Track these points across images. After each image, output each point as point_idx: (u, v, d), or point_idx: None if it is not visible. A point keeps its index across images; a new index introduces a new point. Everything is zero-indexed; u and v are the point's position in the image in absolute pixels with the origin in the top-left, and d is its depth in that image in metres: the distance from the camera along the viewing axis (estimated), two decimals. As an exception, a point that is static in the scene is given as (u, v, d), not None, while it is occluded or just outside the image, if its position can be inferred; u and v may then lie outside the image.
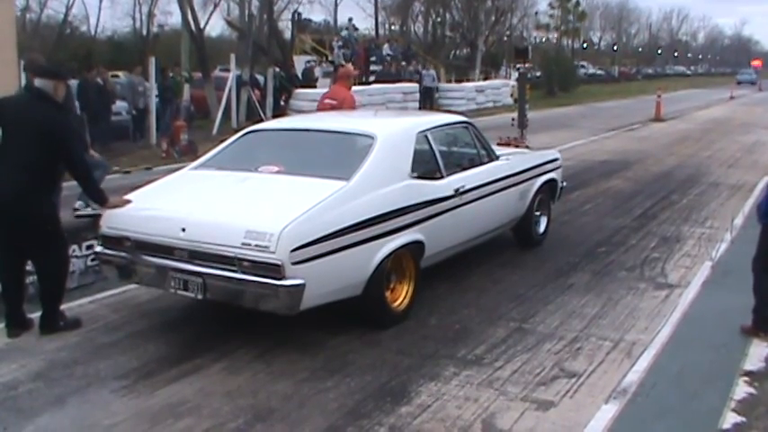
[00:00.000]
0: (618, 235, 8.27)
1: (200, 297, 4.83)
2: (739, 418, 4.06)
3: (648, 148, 16.47)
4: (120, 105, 16.52)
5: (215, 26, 55.70)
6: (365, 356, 4.84)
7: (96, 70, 15.99)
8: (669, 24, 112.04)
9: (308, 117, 8.20)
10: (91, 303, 5.92)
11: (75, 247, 6.16)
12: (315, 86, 23.29)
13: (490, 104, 30.07)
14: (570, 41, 68.81)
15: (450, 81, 33.42)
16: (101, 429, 3.94)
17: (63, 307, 5.38)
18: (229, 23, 31.54)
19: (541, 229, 7.70)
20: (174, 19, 40.52)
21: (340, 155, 5.63)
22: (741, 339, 5.14)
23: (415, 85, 26.28)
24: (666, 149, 16.39)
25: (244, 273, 4.57)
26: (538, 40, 63.76)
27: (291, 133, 6.24)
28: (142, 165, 13.28)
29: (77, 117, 8.91)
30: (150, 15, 42.84)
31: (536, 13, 61.52)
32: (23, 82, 6.13)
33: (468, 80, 34.46)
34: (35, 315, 5.32)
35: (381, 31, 43.70)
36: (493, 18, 43.18)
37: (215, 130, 17.84)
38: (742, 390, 4.40)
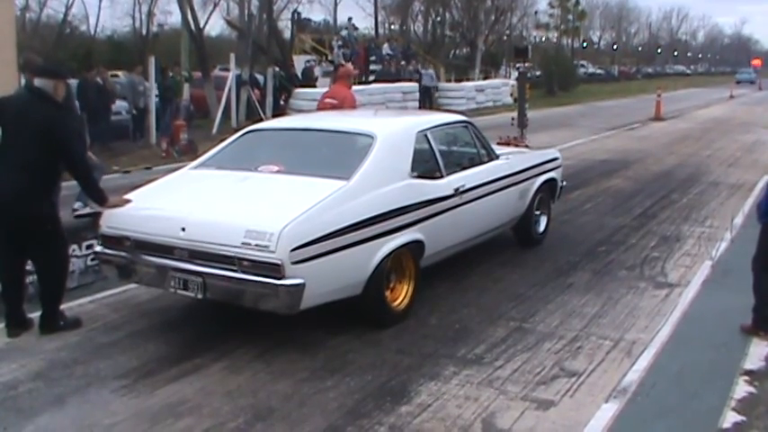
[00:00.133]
0: (618, 234, 8.27)
1: (200, 297, 4.83)
2: (739, 418, 4.06)
3: (648, 148, 16.47)
4: (119, 105, 16.52)
5: (215, 26, 55.74)
6: (365, 356, 4.84)
7: (96, 70, 16.00)
8: (669, 23, 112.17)
9: (308, 116, 8.20)
10: (91, 303, 5.91)
11: (74, 246, 6.16)
12: (314, 86, 23.29)
13: (490, 104, 30.07)
14: (570, 41, 68.79)
15: (449, 80, 33.44)
16: (101, 429, 3.94)
17: (63, 306, 5.38)
18: (229, 23, 31.55)
19: (541, 228, 7.70)
20: (174, 18, 40.59)
21: (340, 154, 5.63)
22: (741, 338, 5.14)
23: (415, 85, 26.28)
24: (666, 148, 16.39)
25: (244, 272, 4.57)
26: (537, 40, 63.74)
27: (291, 133, 6.24)
28: (142, 164, 13.29)
29: (78, 117, 8.92)
30: (150, 15, 42.86)
31: (536, 12, 61.64)
32: (23, 81, 6.12)
33: (467, 79, 34.49)
34: (35, 315, 5.32)
35: (381, 31, 43.71)
36: (493, 17, 43.20)
37: (215, 130, 17.83)
38: (742, 389, 4.40)
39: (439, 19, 42.77)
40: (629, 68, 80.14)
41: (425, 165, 5.78)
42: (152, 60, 16.90)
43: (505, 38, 49.75)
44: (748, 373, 4.62)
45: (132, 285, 5.83)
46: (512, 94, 29.35)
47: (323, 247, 4.64)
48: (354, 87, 9.80)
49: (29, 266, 5.39)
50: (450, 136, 6.62)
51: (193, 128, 17.10)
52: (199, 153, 9.72)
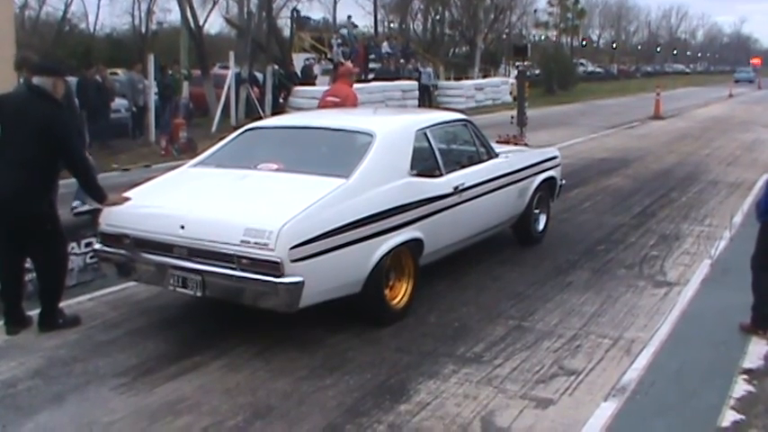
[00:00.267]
0: (617, 233, 8.27)
1: (199, 294, 4.83)
2: (738, 416, 4.07)
3: (648, 146, 16.47)
4: (119, 103, 16.51)
5: (214, 24, 55.69)
6: (364, 354, 4.84)
7: (95, 68, 16.00)
8: (668, 22, 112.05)
9: (308, 114, 8.19)
10: (90, 301, 5.91)
11: (74, 244, 6.16)
12: (314, 84, 23.31)
13: (489, 102, 30.08)
14: (569, 39, 68.78)
15: (449, 79, 33.43)
16: (100, 427, 3.94)
17: (62, 304, 5.38)
18: (228, 21, 31.49)
19: (541, 226, 7.70)
20: (173, 16, 40.56)
21: (339, 152, 5.63)
22: (740, 337, 5.15)
23: (415, 83, 26.28)
24: (666, 147, 16.39)
25: (243, 270, 4.56)
26: (537, 38, 63.61)
27: (290, 131, 6.24)
28: (141, 162, 13.28)
29: (77, 114, 8.90)
30: (149, 13, 42.81)
31: (535, 10, 61.52)
32: (22, 79, 6.10)
33: (467, 78, 34.50)
34: (34, 312, 5.32)
35: (380, 29, 43.70)
36: (492, 16, 43.22)
37: (214, 128, 17.83)
38: (741, 387, 4.41)
39: (438, 17, 42.78)
40: (629, 67, 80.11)
41: (425, 163, 5.77)
42: (151, 58, 16.89)
43: (505, 36, 49.73)
44: (747, 371, 4.62)
45: (131, 283, 5.82)
46: (511, 93, 29.33)
47: (322, 245, 4.64)
48: (354, 86, 9.77)
49: (28, 264, 5.39)
50: (449, 134, 6.62)
51: (193, 126, 17.09)
52: (198, 151, 9.72)
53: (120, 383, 4.42)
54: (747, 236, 6.08)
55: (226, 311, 5.37)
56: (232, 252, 4.57)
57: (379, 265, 5.08)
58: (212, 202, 5.11)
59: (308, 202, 4.72)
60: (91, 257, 6.17)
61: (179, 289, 4.91)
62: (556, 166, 7.90)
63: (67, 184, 6.20)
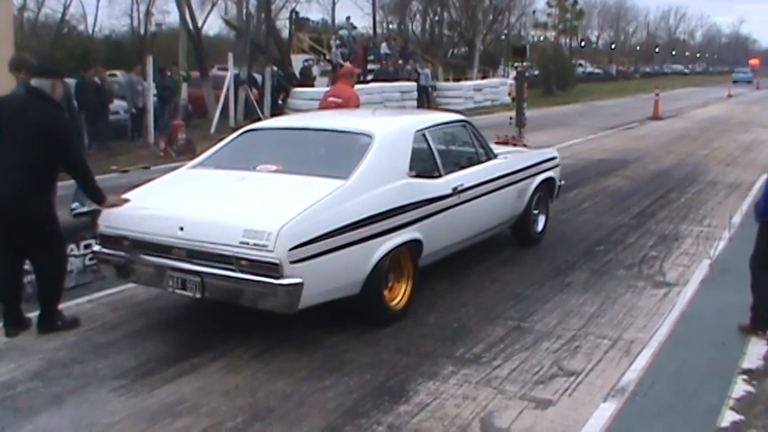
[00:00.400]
0: (616, 233, 8.27)
1: (198, 296, 4.83)
2: (738, 417, 4.07)
3: (647, 147, 16.48)
4: (117, 104, 16.51)
5: (213, 25, 55.54)
6: (363, 355, 4.84)
7: (94, 69, 16.00)
8: (667, 23, 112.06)
9: (306, 116, 8.19)
10: (89, 302, 5.91)
11: (73, 246, 6.16)
12: (312, 85, 23.34)
13: (488, 103, 30.09)
14: (568, 40, 68.83)
15: (448, 80, 33.43)
16: (99, 429, 3.94)
17: (61, 306, 5.38)
18: (227, 22, 31.51)
19: (540, 227, 7.70)
20: (172, 18, 40.55)
21: (338, 154, 5.63)
22: (739, 338, 5.15)
23: (413, 84, 26.30)
24: (665, 148, 16.40)
25: (242, 272, 4.56)
26: (536, 39, 63.64)
27: (289, 132, 6.24)
28: (140, 164, 13.29)
29: (76, 116, 8.90)
30: (148, 14, 42.73)
31: (534, 11, 61.56)
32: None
33: (466, 79, 34.52)
34: (33, 314, 5.31)
35: (379, 30, 43.70)
36: (491, 17, 43.24)
37: (213, 129, 17.84)
38: (740, 388, 4.41)
39: (437, 18, 42.79)
40: (627, 68, 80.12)
41: (424, 164, 5.77)
42: (150, 60, 16.89)
43: (503, 37, 49.75)
44: (747, 372, 4.63)
45: (130, 285, 5.82)
46: (510, 94, 29.32)
47: (321, 246, 4.64)
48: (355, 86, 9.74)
49: (27, 266, 5.38)
50: (448, 135, 6.62)
51: (191, 127, 17.10)
52: (197, 152, 9.71)
53: (119, 385, 4.42)
54: (746, 236, 6.08)
55: (225, 313, 5.37)
56: (231, 253, 4.57)
57: (378, 267, 5.08)
58: (211, 203, 5.11)
59: (306, 204, 4.72)
60: (90, 259, 6.16)
61: (178, 290, 4.91)
62: (555, 166, 7.90)
63: (66, 185, 6.20)
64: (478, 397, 4.28)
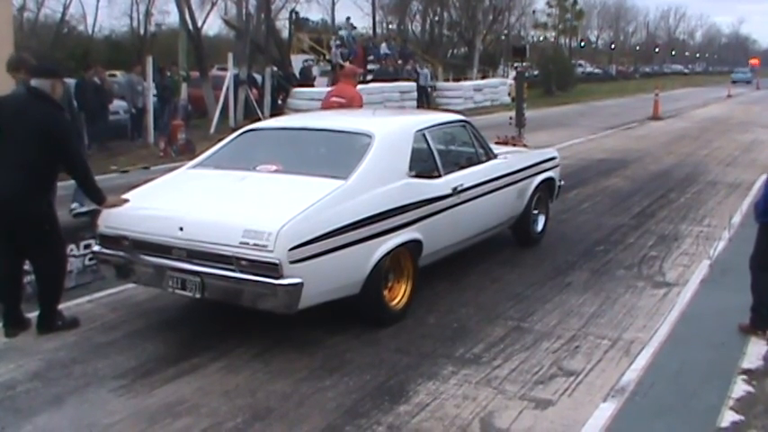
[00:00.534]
0: (616, 233, 8.27)
1: (198, 296, 4.83)
2: (738, 417, 4.07)
3: (646, 147, 16.48)
4: (117, 104, 16.51)
5: (212, 25, 55.52)
6: (363, 355, 4.84)
7: (94, 69, 15.98)
8: (667, 23, 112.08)
9: (306, 116, 8.19)
10: (89, 303, 5.91)
11: (72, 246, 6.16)
12: (312, 85, 23.33)
13: (488, 103, 30.08)
14: (568, 40, 68.81)
15: (447, 80, 33.42)
16: (99, 429, 3.94)
17: (61, 306, 5.38)
18: (227, 22, 31.50)
19: (539, 227, 7.70)
20: (172, 18, 40.53)
21: (338, 154, 5.63)
22: (739, 338, 5.14)
23: (413, 84, 26.28)
24: (664, 148, 16.40)
25: (242, 272, 4.56)
26: (535, 39, 63.61)
27: (289, 132, 6.24)
28: (140, 164, 13.29)
29: (76, 116, 8.90)
30: (148, 14, 42.72)
31: (534, 11, 61.51)
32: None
33: (465, 79, 34.50)
34: (33, 315, 5.31)
35: (379, 30, 43.70)
36: (490, 17, 43.20)
37: (212, 129, 17.83)
38: (740, 388, 4.41)
39: (437, 18, 42.77)
40: (627, 68, 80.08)
41: (423, 164, 5.77)
42: (150, 60, 16.88)
43: (503, 37, 49.74)
44: (746, 372, 4.63)
45: (130, 285, 5.82)
46: (510, 94, 29.34)
47: (321, 246, 4.64)
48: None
49: (27, 266, 5.38)
50: (448, 135, 6.62)
51: (191, 127, 17.09)
52: (197, 153, 9.71)
53: (119, 385, 4.42)
54: (746, 236, 6.08)
55: (225, 313, 5.37)
56: (231, 254, 4.57)
57: (378, 267, 5.08)
58: (211, 203, 5.11)
59: (306, 204, 4.72)
60: (90, 259, 6.16)
61: (178, 291, 4.91)
62: (555, 166, 7.90)
63: (66, 185, 6.20)
64: (478, 397, 4.28)
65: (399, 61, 28.57)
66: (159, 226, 4.95)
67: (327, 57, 28.80)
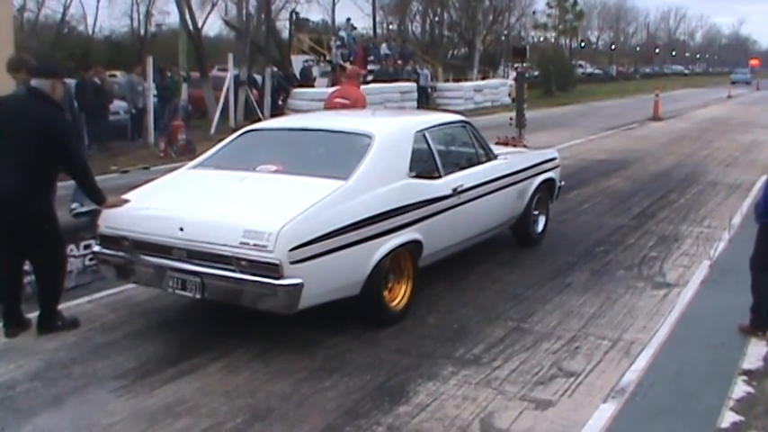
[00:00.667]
0: (616, 234, 8.27)
1: (198, 296, 4.83)
2: (738, 417, 4.07)
3: (647, 148, 16.48)
4: (117, 105, 16.52)
5: (213, 26, 55.68)
6: (363, 356, 4.84)
7: (94, 70, 16.00)
8: (667, 24, 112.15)
9: (306, 116, 8.20)
10: (89, 303, 5.91)
11: (72, 246, 6.16)
12: (312, 86, 23.34)
13: (488, 104, 30.07)
14: (568, 41, 68.81)
15: (447, 80, 33.42)
16: (99, 429, 3.94)
17: (61, 307, 5.38)
18: (227, 23, 31.54)
19: (540, 228, 7.70)
20: (172, 18, 40.62)
21: (338, 154, 5.63)
22: (739, 338, 5.14)
23: (413, 85, 26.28)
24: (664, 148, 16.40)
25: (242, 272, 4.56)
26: (536, 40, 63.64)
27: (289, 133, 6.24)
28: (140, 164, 13.29)
29: (76, 116, 8.89)
30: (148, 15, 42.80)
31: (534, 12, 61.55)
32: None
33: (466, 79, 34.48)
34: (33, 315, 5.31)
35: (379, 31, 43.71)
36: (491, 17, 43.18)
37: (213, 130, 17.83)
38: (740, 389, 4.41)
39: (437, 19, 42.77)
40: (627, 68, 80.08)
41: (424, 164, 5.77)
42: (150, 60, 16.88)
43: (503, 38, 49.74)
44: (747, 372, 4.62)
45: (130, 285, 5.82)
46: (510, 95, 29.30)
47: (321, 246, 4.64)
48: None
49: (27, 266, 5.38)
50: (448, 136, 6.62)
51: (191, 128, 17.09)
52: (197, 153, 9.72)
53: (119, 386, 4.42)
54: (746, 237, 6.08)
55: (225, 314, 5.37)
56: (231, 254, 4.57)
57: (378, 267, 5.08)
58: (211, 204, 5.11)
59: (306, 204, 4.72)
60: (90, 259, 6.16)
61: (178, 291, 4.91)
62: (555, 167, 7.90)
63: (66, 185, 6.19)
64: (478, 398, 4.28)
65: (399, 62, 28.57)
66: (159, 226, 4.95)
67: (327, 57, 28.82)
